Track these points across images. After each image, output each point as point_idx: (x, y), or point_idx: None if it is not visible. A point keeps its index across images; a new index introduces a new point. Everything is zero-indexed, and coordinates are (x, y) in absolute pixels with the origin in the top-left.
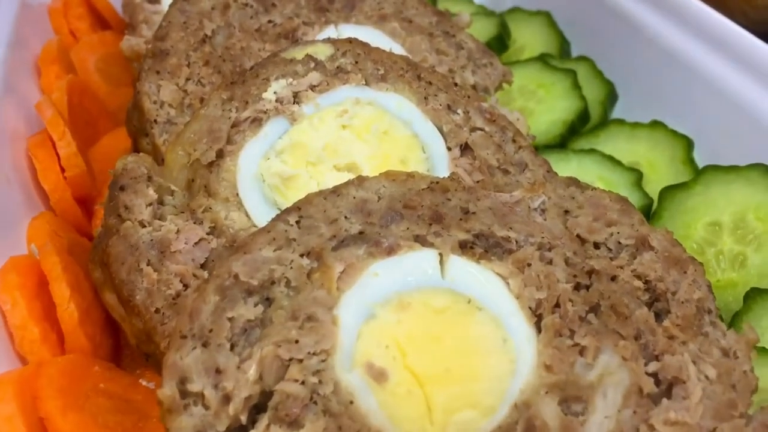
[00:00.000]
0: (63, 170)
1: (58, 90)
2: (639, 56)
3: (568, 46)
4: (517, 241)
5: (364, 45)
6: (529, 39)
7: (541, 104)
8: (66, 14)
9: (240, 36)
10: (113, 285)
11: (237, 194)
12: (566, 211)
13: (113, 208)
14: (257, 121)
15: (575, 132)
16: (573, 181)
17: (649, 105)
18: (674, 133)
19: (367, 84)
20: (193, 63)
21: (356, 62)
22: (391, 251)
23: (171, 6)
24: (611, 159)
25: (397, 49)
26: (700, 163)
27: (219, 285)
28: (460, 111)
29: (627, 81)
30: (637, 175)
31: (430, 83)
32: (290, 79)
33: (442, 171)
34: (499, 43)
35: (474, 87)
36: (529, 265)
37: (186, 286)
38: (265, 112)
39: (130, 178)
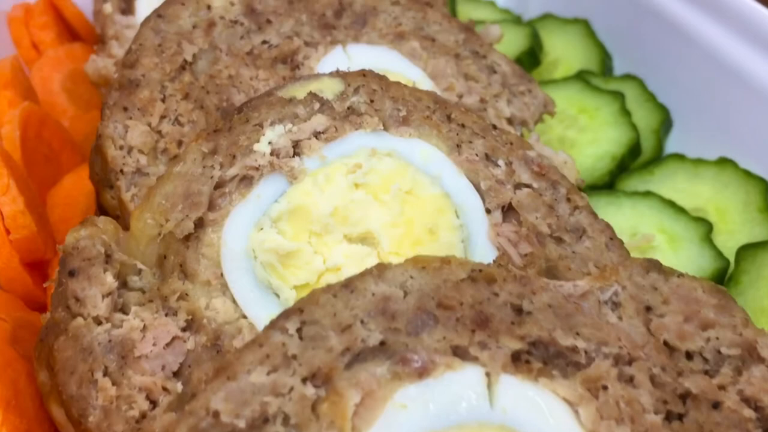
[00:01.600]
0: (8, 231)
1: (10, 122)
2: (698, 75)
3: (610, 61)
4: (586, 352)
5: (381, 79)
6: (564, 51)
7: (583, 134)
8: (28, 24)
9: (227, 61)
10: (61, 399)
11: (221, 275)
12: (648, 308)
13: (61, 297)
14: (247, 181)
15: (625, 168)
16: (653, 265)
17: (714, 137)
18: (747, 173)
19: (385, 129)
20: (169, 96)
21: (371, 101)
22: (423, 372)
23: (143, 25)
24: (673, 205)
25: (418, 74)
26: None
27: (192, 427)
28: (501, 162)
29: (684, 105)
30: (706, 227)
31: (463, 126)
32: (289, 125)
33: (481, 241)
34: (531, 58)
35: (510, 120)
36: (605, 387)
37: (154, 404)
38: (257, 169)
39: (83, 260)
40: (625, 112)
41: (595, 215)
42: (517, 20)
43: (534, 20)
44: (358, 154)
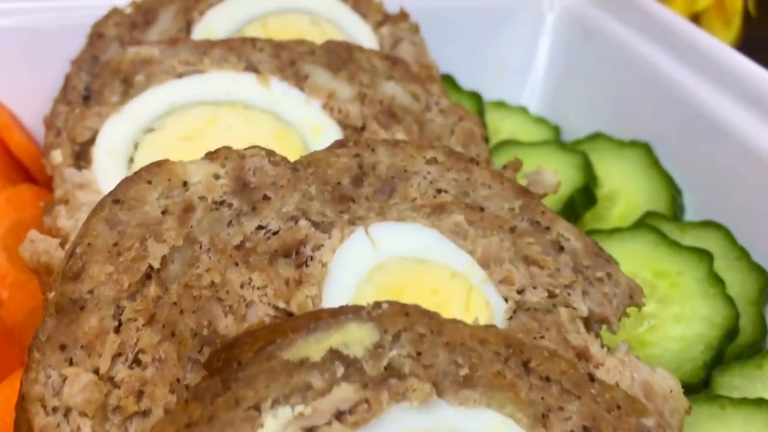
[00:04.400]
0: None
1: None
2: None
3: (680, 198)
4: None
5: (431, 317)
6: (621, 183)
7: (665, 307)
8: None
9: (210, 261)
10: None
11: None
12: None
13: None
14: None
15: (721, 359)
16: None
17: None
18: None
19: (439, 395)
20: (126, 323)
21: (418, 354)
22: None
23: (93, 214)
24: None
25: (465, 261)
26: None
27: None
28: None
29: None
30: None
31: (549, 380)
32: (299, 405)
33: None
34: (586, 197)
35: (587, 320)
36: None
37: None
38: None
39: None
40: (717, 280)
41: None
42: (554, 132)
43: (582, 141)
44: None
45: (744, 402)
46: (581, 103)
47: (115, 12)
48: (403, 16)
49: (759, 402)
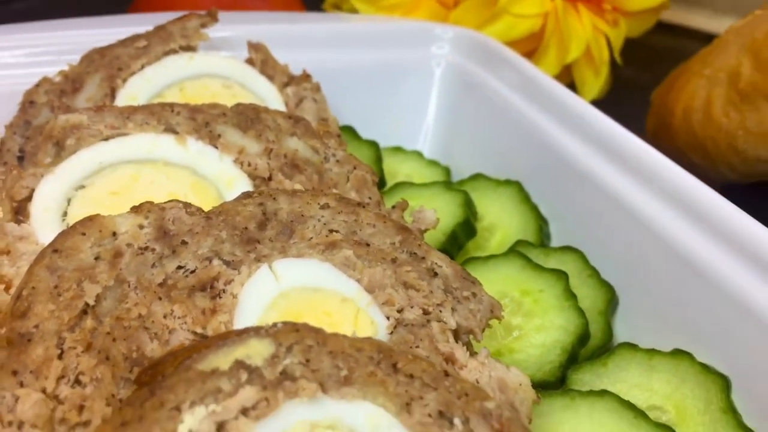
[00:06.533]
0: None
1: None
2: (644, 252)
3: (546, 227)
4: None
5: (317, 332)
6: (499, 217)
7: (530, 320)
8: None
9: (137, 297)
10: None
11: None
12: None
13: None
14: None
15: (575, 359)
16: None
17: (664, 322)
18: (706, 369)
19: (324, 391)
20: (68, 350)
21: (307, 360)
22: None
23: (36, 263)
24: (633, 408)
25: (353, 288)
26: (742, 412)
27: None
28: (457, 420)
29: (629, 284)
30: None
31: (412, 377)
32: (212, 405)
33: None
34: (467, 229)
35: (456, 331)
36: None
37: None
38: None
39: None
40: (571, 295)
41: None
42: (445, 173)
43: (465, 181)
44: (295, 430)
45: (590, 393)
46: (466, 147)
47: (45, 80)
48: (305, 77)
49: (602, 393)
